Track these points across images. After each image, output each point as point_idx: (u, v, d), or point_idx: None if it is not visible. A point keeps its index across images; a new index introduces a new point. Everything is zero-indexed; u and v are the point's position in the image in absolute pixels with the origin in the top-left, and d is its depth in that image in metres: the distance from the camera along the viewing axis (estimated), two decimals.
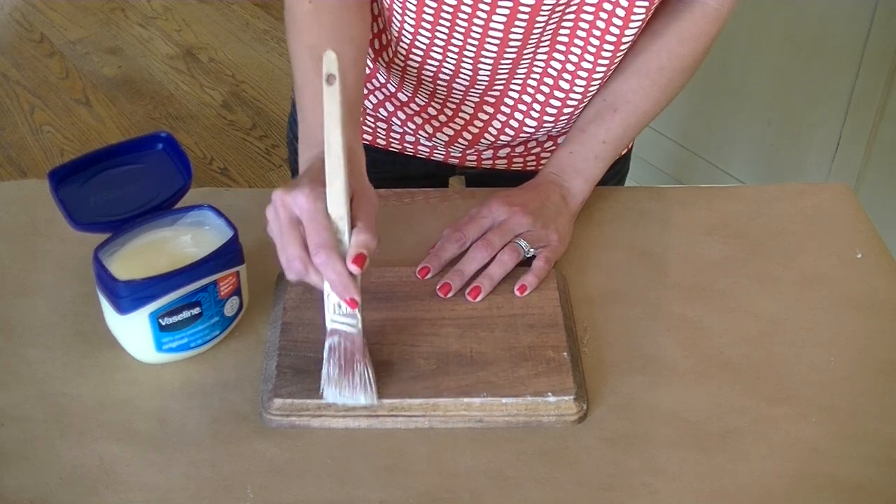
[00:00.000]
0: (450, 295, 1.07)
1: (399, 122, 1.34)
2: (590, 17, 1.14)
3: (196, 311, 1.00)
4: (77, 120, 3.35)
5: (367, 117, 1.36)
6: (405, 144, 1.37)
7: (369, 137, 1.39)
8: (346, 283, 0.93)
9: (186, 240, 1.04)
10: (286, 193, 0.94)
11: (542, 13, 1.11)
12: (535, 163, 1.38)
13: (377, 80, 1.30)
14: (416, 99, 1.29)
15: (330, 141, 0.91)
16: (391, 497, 0.91)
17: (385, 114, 1.33)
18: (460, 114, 1.28)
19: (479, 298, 1.07)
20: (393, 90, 1.29)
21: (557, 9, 1.12)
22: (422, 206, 1.25)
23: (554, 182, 1.19)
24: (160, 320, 0.98)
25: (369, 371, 0.96)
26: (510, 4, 1.10)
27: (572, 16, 1.14)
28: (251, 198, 1.26)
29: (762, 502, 0.91)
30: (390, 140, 1.38)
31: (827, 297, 1.12)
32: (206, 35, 3.85)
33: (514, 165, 1.38)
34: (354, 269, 0.93)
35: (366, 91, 1.33)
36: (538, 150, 1.36)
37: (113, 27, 3.88)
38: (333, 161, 0.92)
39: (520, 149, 1.35)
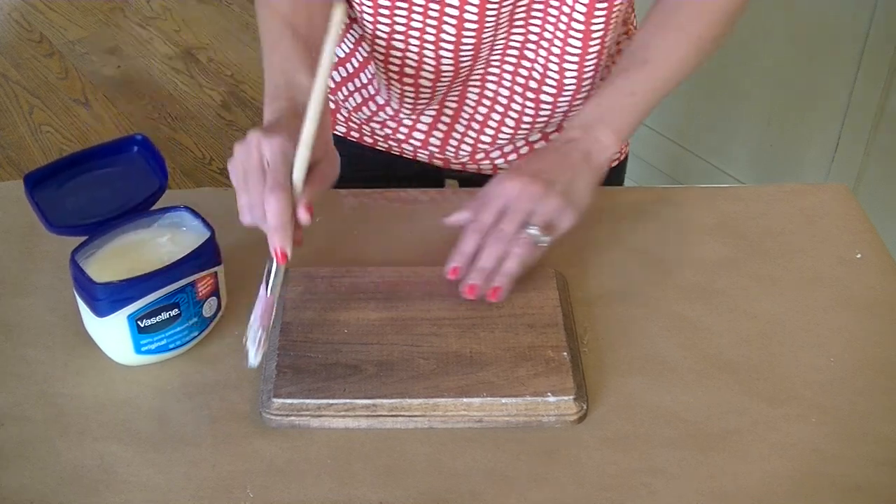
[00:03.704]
0: (477, 295, 1.05)
1: (378, 125, 1.34)
2: None
3: (174, 312, 1.00)
4: (76, 120, 3.35)
5: (352, 115, 1.37)
6: (390, 143, 1.37)
7: (356, 135, 1.39)
8: (285, 232, 0.94)
9: (164, 241, 1.04)
10: (263, 136, 0.95)
11: None
12: None
13: (358, 80, 1.31)
14: (392, 103, 1.29)
15: (314, 97, 0.93)
16: (391, 497, 0.91)
17: (368, 113, 1.34)
18: (425, 113, 1.29)
19: (500, 298, 1.05)
20: (373, 92, 1.30)
21: None
22: (424, 205, 1.25)
23: (577, 139, 1.14)
24: (139, 322, 0.98)
25: (260, 336, 0.96)
26: None
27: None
28: None
29: (762, 502, 0.91)
30: (376, 139, 1.38)
31: (826, 298, 1.12)
32: (206, 35, 3.85)
33: (500, 171, 1.37)
34: (304, 216, 0.95)
35: (349, 90, 1.33)
36: (514, 157, 1.35)
37: (112, 27, 3.88)
38: (310, 116, 0.93)
39: (495, 154, 1.35)
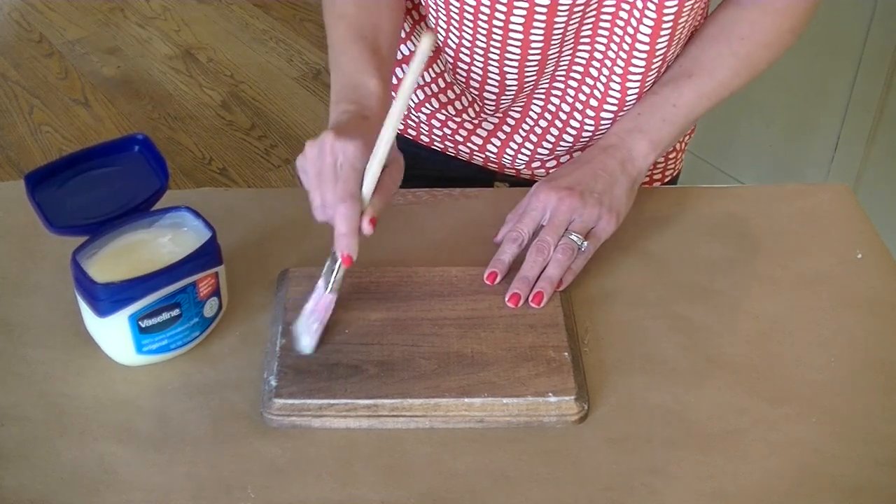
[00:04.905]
0: (520, 304, 1.07)
1: (439, 123, 1.35)
2: (608, 18, 1.14)
3: (175, 312, 1.00)
4: (76, 120, 3.35)
5: (412, 112, 1.37)
6: (447, 144, 1.38)
7: (413, 132, 1.39)
8: (354, 238, 0.97)
9: (165, 241, 1.04)
10: (337, 139, 0.98)
11: (559, 13, 1.11)
12: None
13: (423, 78, 1.31)
14: (455, 103, 1.30)
15: (392, 117, 0.96)
16: (392, 497, 0.91)
17: (428, 111, 1.34)
18: (488, 120, 1.29)
19: (542, 303, 1.06)
20: (437, 90, 1.30)
21: (576, 9, 1.12)
22: (425, 205, 1.25)
23: (614, 146, 1.17)
24: (140, 322, 0.98)
25: (315, 328, 1.01)
26: (526, 5, 1.11)
27: (592, 16, 1.14)
28: (251, 198, 1.27)
29: (762, 502, 0.91)
30: (433, 138, 1.38)
31: (827, 298, 1.12)
32: (205, 35, 3.85)
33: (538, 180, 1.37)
34: (368, 228, 0.98)
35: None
36: None
37: (112, 27, 3.88)
38: (386, 137, 0.97)
39: (551, 163, 1.35)
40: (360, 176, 0.98)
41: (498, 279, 1.09)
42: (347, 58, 1.11)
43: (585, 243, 1.11)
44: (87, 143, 3.22)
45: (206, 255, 1.01)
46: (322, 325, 1.01)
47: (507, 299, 1.07)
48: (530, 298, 1.07)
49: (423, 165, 1.40)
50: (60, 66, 3.64)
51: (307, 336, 1.00)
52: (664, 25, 1.13)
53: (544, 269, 1.09)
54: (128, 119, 3.37)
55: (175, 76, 3.60)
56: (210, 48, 3.77)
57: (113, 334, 1.00)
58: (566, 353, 1.01)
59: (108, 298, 0.96)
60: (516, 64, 1.18)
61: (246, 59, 3.71)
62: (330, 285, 1.01)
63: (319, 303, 1.01)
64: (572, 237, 1.10)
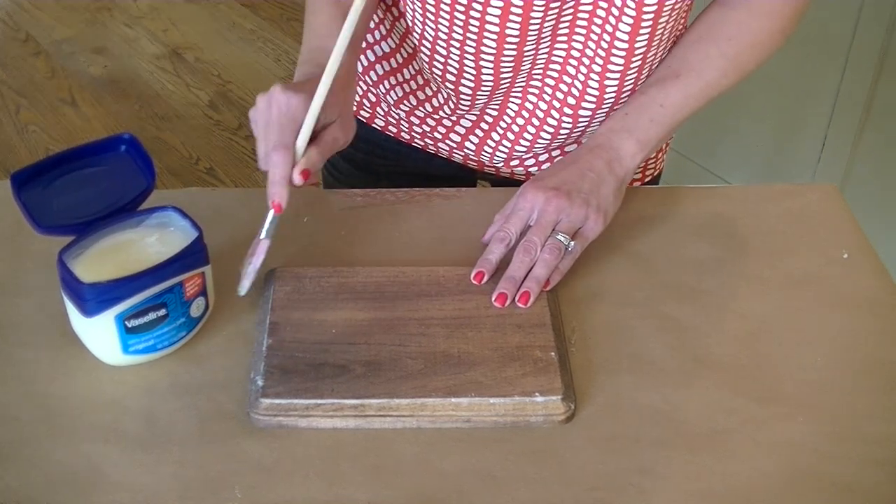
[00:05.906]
0: (507, 304, 1.07)
1: (417, 120, 1.35)
2: (586, 15, 1.14)
3: (162, 312, 1.00)
4: (63, 119, 3.35)
5: (392, 109, 1.37)
6: (427, 141, 1.38)
7: (394, 129, 1.39)
8: (283, 187, 1.02)
9: (151, 241, 1.03)
10: (283, 92, 1.03)
11: (536, 8, 1.11)
12: None
13: (402, 75, 1.31)
14: (433, 100, 1.30)
15: (327, 73, 1.01)
16: (379, 497, 0.90)
17: (408, 108, 1.34)
18: (465, 117, 1.29)
19: (529, 303, 1.06)
20: (415, 87, 1.31)
21: (553, 4, 1.11)
22: (411, 205, 1.25)
23: (601, 146, 1.17)
24: (126, 322, 0.98)
25: (250, 271, 1.06)
26: None
27: (569, 13, 1.14)
28: (238, 198, 1.26)
29: (750, 502, 0.91)
30: (413, 136, 1.38)
31: (814, 297, 1.12)
32: (193, 35, 3.84)
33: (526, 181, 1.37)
34: (298, 179, 1.02)
35: (393, 82, 1.34)
36: (549, 165, 1.35)
37: (99, 27, 3.87)
38: (320, 92, 1.02)
39: (530, 161, 1.35)
40: (299, 127, 1.02)
41: (485, 279, 1.09)
42: (319, 21, 1.15)
43: (573, 243, 1.11)
44: (74, 142, 3.20)
45: (193, 255, 1.01)
46: (255, 269, 1.06)
47: (493, 299, 1.07)
48: (517, 298, 1.07)
49: (405, 163, 1.40)
50: (47, 66, 3.63)
51: (244, 280, 1.06)
52: (643, 24, 1.13)
53: (531, 269, 1.09)
54: (115, 119, 3.36)
55: (162, 76, 3.59)
56: (197, 48, 3.76)
57: (99, 334, 0.99)
58: (553, 353, 1.01)
59: (94, 298, 0.96)
60: (492, 59, 1.18)
61: (233, 58, 3.71)
62: (264, 231, 1.05)
63: (255, 248, 1.06)
64: (559, 237, 1.10)
